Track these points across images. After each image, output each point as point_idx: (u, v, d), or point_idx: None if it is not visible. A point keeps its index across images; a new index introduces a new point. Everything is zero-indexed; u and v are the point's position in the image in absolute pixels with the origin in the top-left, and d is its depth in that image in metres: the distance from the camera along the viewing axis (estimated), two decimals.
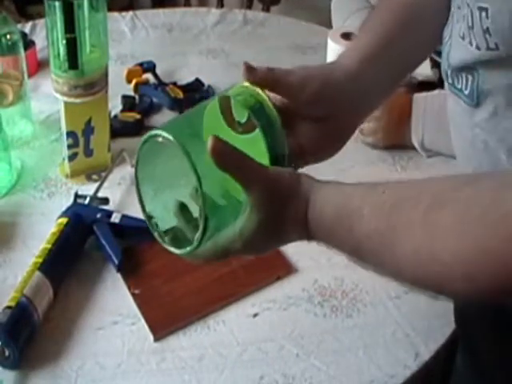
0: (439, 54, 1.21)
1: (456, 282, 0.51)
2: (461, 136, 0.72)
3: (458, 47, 0.67)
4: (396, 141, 1.13)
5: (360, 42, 0.74)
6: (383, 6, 0.78)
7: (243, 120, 0.62)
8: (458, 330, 0.84)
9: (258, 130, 0.62)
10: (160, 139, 0.59)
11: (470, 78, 0.66)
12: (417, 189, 0.57)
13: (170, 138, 0.58)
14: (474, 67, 0.65)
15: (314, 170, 1.13)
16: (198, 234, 0.59)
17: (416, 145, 1.10)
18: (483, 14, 0.60)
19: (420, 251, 0.53)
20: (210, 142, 0.57)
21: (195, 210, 0.61)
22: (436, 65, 1.21)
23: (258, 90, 0.64)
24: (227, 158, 0.58)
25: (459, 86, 0.68)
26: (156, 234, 0.65)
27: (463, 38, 0.64)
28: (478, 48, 0.62)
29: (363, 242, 0.57)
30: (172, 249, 0.64)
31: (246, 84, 0.64)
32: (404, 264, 0.55)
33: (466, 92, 0.67)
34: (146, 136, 0.61)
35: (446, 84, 0.72)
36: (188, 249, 0.61)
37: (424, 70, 1.21)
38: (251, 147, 0.60)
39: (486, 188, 0.50)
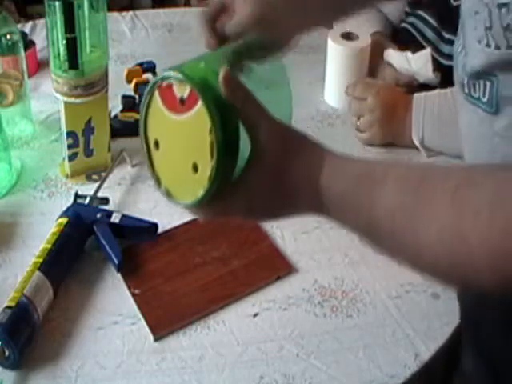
0: (443, 54, 1.21)
1: (482, 272, 0.47)
2: (478, 148, 0.70)
3: (474, 53, 0.65)
4: (393, 137, 1.13)
5: None
6: None
7: (185, 95, 0.59)
8: (466, 333, 0.83)
9: (200, 103, 0.58)
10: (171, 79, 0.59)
11: (488, 84, 0.64)
12: (444, 169, 0.54)
13: (179, 75, 0.58)
14: (492, 73, 0.63)
15: None
16: (210, 171, 0.57)
17: (417, 143, 1.10)
18: (503, 10, 0.58)
19: (446, 230, 0.49)
20: (221, 72, 0.57)
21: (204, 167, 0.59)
22: (438, 68, 1.21)
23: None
24: (237, 88, 0.58)
25: (476, 95, 0.66)
26: (162, 191, 0.64)
27: (479, 42, 0.63)
28: (497, 47, 0.60)
29: (382, 218, 0.53)
30: (182, 200, 0.62)
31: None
32: (427, 244, 0.50)
33: (485, 99, 0.65)
34: (152, 81, 0.61)
35: (460, 96, 0.71)
36: (201, 192, 0.59)
37: (425, 72, 1.21)
38: (198, 122, 0.58)
39: None
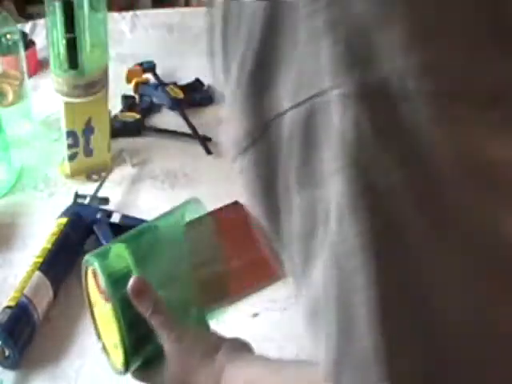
0: None
1: None
2: None
3: None
4: None
5: None
6: None
7: (102, 287, 0.61)
8: None
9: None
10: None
11: None
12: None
13: (98, 268, 0.60)
14: None
15: None
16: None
17: None
18: None
19: None
20: (131, 281, 0.59)
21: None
22: None
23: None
24: (146, 298, 0.59)
25: None
26: (100, 344, 0.66)
27: None
28: None
29: None
30: (110, 362, 0.65)
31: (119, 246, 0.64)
32: None
33: None
34: (85, 258, 0.62)
35: None
36: (119, 368, 0.62)
37: None
38: (111, 316, 0.60)
39: None
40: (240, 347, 0.64)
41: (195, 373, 0.60)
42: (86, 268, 0.63)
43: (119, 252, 0.62)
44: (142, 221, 0.95)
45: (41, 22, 1.42)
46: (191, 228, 0.66)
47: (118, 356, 0.61)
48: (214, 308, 0.67)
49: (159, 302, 0.60)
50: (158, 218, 0.67)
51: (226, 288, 0.69)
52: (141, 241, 0.65)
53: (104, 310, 0.61)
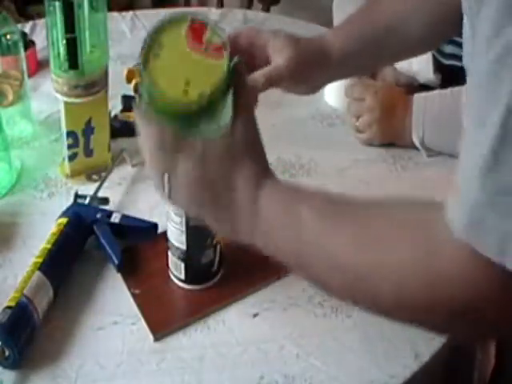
0: (444, 54, 1.21)
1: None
2: None
3: None
4: (392, 137, 1.13)
5: (348, 27, 0.91)
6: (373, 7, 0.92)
7: (215, 43, 0.67)
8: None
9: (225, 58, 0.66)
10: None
11: None
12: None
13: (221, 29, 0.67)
14: None
15: (314, 169, 1.13)
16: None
17: (417, 143, 1.10)
18: None
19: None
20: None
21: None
22: (439, 68, 1.21)
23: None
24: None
25: None
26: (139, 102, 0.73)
27: None
28: None
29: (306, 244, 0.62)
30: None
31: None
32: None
33: None
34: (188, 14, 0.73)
35: None
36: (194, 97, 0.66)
37: (426, 74, 1.21)
38: (208, 72, 0.66)
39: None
40: None
41: (242, 162, 0.65)
42: (181, 20, 0.73)
43: None
44: (142, 221, 0.95)
45: (41, 22, 1.42)
46: None
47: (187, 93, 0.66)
48: None
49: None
50: None
51: None
52: None
53: (190, 60, 0.68)
